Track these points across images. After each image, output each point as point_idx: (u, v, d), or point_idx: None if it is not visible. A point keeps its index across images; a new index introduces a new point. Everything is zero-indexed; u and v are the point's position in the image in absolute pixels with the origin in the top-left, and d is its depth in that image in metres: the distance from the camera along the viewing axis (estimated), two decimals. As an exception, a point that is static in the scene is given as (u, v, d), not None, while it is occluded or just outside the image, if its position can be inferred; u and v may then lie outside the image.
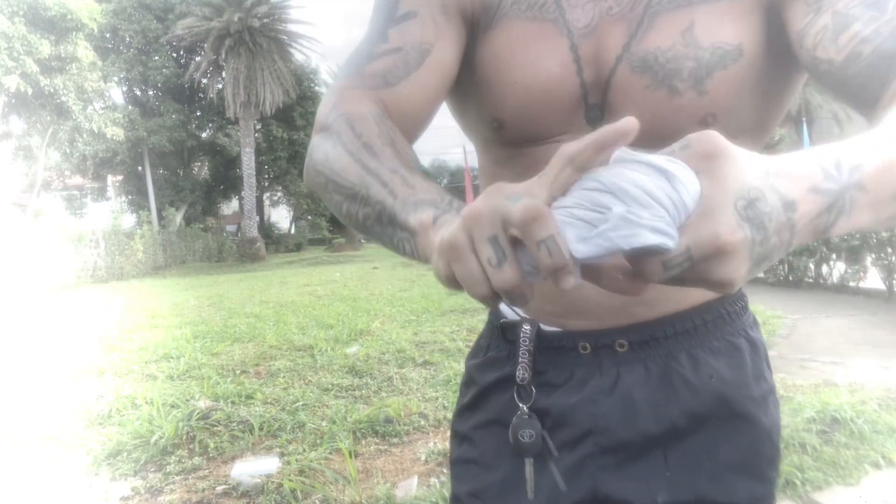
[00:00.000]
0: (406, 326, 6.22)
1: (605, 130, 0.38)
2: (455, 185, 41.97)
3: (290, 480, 2.63)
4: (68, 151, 24.76)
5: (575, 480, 0.70)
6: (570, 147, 0.39)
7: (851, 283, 7.10)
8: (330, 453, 2.96)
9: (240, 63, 25.98)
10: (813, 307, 6.42)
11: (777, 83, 0.68)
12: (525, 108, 0.68)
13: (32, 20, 18.06)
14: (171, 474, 2.82)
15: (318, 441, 3.11)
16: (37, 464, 3.05)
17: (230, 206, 40.18)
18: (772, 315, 5.80)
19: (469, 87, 0.73)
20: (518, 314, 0.76)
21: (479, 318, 6.23)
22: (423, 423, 3.31)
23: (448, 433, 1.11)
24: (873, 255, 6.70)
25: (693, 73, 0.62)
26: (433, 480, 2.63)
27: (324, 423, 3.34)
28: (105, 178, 31.56)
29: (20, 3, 17.66)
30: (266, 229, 35.07)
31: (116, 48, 27.00)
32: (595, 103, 0.67)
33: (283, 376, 4.41)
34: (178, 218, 26.66)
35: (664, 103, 0.64)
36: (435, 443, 3.03)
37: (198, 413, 3.39)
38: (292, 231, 40.33)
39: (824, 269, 7.56)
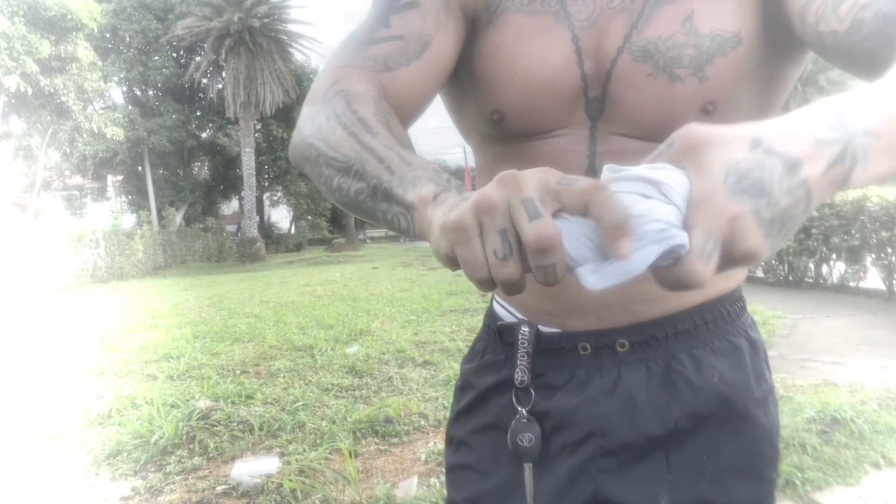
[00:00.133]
0: (406, 326, 6.22)
1: (602, 214, 0.38)
2: (455, 185, 41.79)
3: (290, 480, 2.63)
4: (68, 151, 24.75)
5: (576, 484, 0.69)
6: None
7: (851, 283, 7.10)
8: (330, 453, 2.96)
9: (240, 63, 25.98)
10: (813, 307, 6.41)
11: (775, 71, 0.68)
12: (526, 100, 0.68)
13: (32, 20, 18.04)
14: (171, 474, 2.81)
15: (318, 441, 3.11)
16: (37, 464, 3.05)
17: (230, 206, 40.17)
18: (772, 315, 5.80)
19: (468, 82, 0.73)
20: (515, 316, 0.75)
21: (479, 319, 6.22)
22: (423, 423, 3.31)
23: (448, 433, 1.10)
24: (873, 255, 6.70)
25: (693, 59, 0.63)
26: (433, 480, 2.63)
27: (324, 423, 3.34)
28: (105, 178, 31.55)
29: (20, 3, 17.65)
30: (266, 229, 35.05)
31: (116, 48, 26.99)
32: (595, 96, 0.67)
33: (283, 376, 4.40)
34: (178, 218, 26.65)
35: (665, 92, 0.64)
36: (435, 443, 3.03)
37: (198, 413, 3.39)
38: (292, 231, 40.31)
39: (824, 269, 7.55)
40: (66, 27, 18.66)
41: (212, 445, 3.08)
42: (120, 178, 30.85)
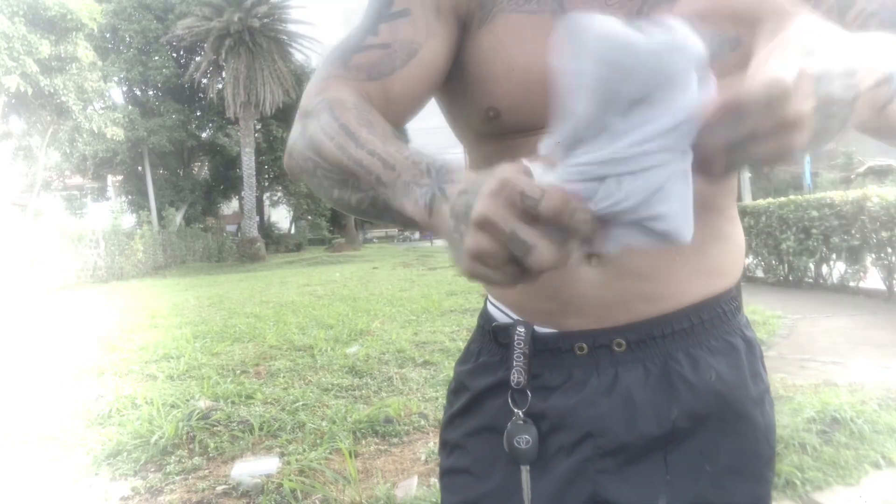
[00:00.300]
0: (406, 326, 6.22)
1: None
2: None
3: (290, 480, 2.63)
4: (68, 151, 24.76)
5: (574, 485, 0.68)
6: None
7: (851, 283, 7.09)
8: (330, 453, 2.96)
9: (240, 63, 25.99)
10: (813, 307, 6.41)
11: None
12: (523, 97, 0.68)
13: (32, 20, 18.05)
14: (171, 474, 2.81)
15: (318, 441, 3.11)
16: (37, 464, 3.05)
17: (230, 206, 40.18)
18: (772, 315, 5.79)
19: (461, 81, 0.72)
20: (510, 316, 0.75)
21: (479, 318, 6.22)
22: (423, 423, 3.31)
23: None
24: (873, 255, 6.69)
25: None
26: (433, 480, 2.63)
27: (324, 423, 3.34)
28: (105, 178, 31.58)
29: (20, 3, 17.66)
30: (266, 229, 35.08)
31: (116, 48, 27.01)
32: None
33: (283, 376, 4.40)
34: (178, 218, 26.66)
35: None
36: (435, 443, 3.03)
37: (198, 413, 3.39)
38: (292, 231, 40.33)
39: (824, 269, 7.55)
40: (66, 27, 18.68)
41: (212, 445, 3.08)
42: (120, 178, 30.87)
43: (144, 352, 5.43)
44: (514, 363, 0.71)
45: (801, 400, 3.18)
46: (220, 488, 2.66)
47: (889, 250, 6.44)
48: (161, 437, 3.11)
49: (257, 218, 30.69)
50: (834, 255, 7.29)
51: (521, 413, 0.70)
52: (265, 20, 27.01)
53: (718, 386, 0.69)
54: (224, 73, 27.31)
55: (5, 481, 2.86)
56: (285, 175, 32.74)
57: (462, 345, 5.37)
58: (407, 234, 56.35)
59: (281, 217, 43.35)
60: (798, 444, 2.66)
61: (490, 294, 0.81)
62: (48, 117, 21.43)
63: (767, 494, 0.70)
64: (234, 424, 3.34)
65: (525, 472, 0.69)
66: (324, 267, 18.68)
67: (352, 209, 0.59)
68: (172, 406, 3.64)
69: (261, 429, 3.30)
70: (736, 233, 0.75)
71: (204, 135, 31.35)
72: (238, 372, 4.59)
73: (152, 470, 2.90)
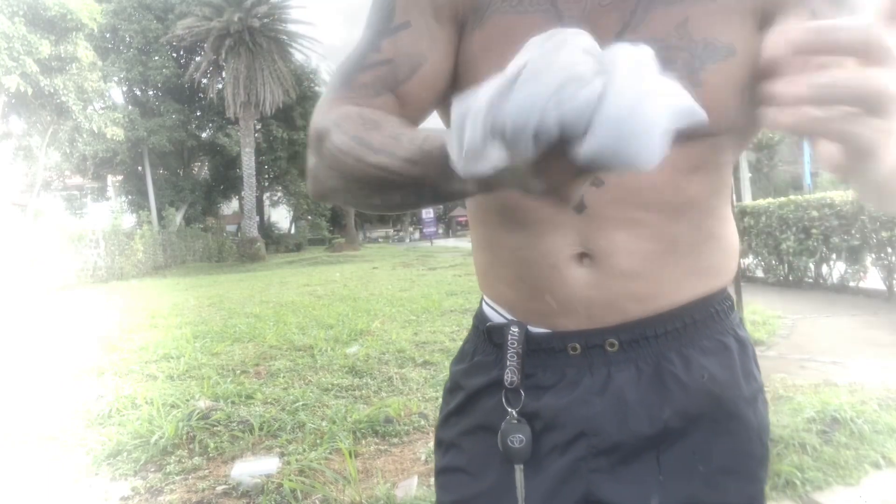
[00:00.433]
0: (406, 326, 6.22)
1: None
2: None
3: (290, 480, 2.63)
4: (68, 151, 24.77)
5: (567, 484, 0.69)
6: None
7: (851, 283, 7.09)
8: (330, 453, 2.96)
9: (240, 63, 26.00)
10: (813, 307, 6.41)
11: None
12: None
13: (32, 20, 18.06)
14: (171, 474, 2.82)
15: (318, 441, 3.11)
16: (37, 464, 3.05)
17: (230, 206, 40.21)
18: (772, 315, 5.79)
19: (456, 84, 0.73)
20: (504, 317, 0.75)
21: (479, 318, 6.22)
22: (423, 423, 3.31)
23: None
24: (873, 255, 6.69)
25: (687, 63, 0.63)
26: (433, 480, 2.63)
27: (324, 423, 3.34)
28: (105, 178, 31.59)
29: (20, 3, 17.67)
30: (266, 229, 35.11)
31: (116, 48, 27.03)
32: None
33: (283, 376, 4.41)
34: (178, 218, 26.68)
35: None
36: (435, 443, 3.03)
37: (198, 413, 3.39)
38: (292, 231, 40.35)
39: (824, 269, 7.55)
40: (66, 27, 18.69)
41: (212, 445, 3.08)
42: (120, 178, 30.89)
43: (144, 352, 5.43)
44: (508, 363, 0.72)
45: (801, 400, 3.18)
46: (220, 488, 2.66)
47: (889, 250, 6.44)
48: (161, 437, 3.11)
49: (257, 218, 30.70)
50: (834, 255, 7.29)
51: (514, 412, 0.71)
52: (265, 20, 27.03)
53: (711, 386, 0.69)
54: (224, 73, 27.33)
55: (5, 481, 2.86)
56: (285, 175, 32.86)
57: (462, 345, 5.40)
58: (407, 234, 56.35)
59: (281, 217, 43.37)
60: (798, 444, 2.65)
61: (485, 294, 0.81)
62: (48, 117, 21.44)
63: (761, 494, 0.71)
64: (234, 424, 3.34)
65: (519, 472, 0.70)
66: (324, 267, 18.68)
67: (400, 206, 0.59)
68: (172, 406, 3.65)
69: (261, 429, 3.30)
70: (729, 233, 0.75)
71: (204, 135, 31.37)
72: (238, 372, 4.60)
73: (152, 470, 2.90)
